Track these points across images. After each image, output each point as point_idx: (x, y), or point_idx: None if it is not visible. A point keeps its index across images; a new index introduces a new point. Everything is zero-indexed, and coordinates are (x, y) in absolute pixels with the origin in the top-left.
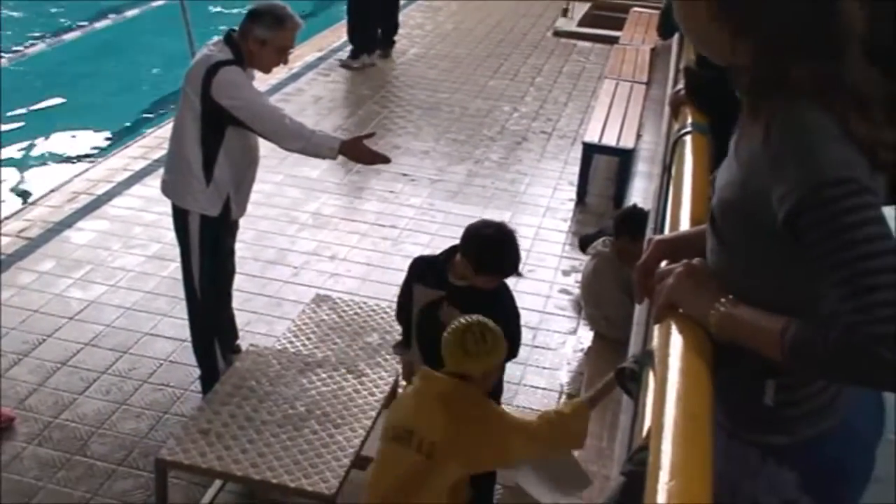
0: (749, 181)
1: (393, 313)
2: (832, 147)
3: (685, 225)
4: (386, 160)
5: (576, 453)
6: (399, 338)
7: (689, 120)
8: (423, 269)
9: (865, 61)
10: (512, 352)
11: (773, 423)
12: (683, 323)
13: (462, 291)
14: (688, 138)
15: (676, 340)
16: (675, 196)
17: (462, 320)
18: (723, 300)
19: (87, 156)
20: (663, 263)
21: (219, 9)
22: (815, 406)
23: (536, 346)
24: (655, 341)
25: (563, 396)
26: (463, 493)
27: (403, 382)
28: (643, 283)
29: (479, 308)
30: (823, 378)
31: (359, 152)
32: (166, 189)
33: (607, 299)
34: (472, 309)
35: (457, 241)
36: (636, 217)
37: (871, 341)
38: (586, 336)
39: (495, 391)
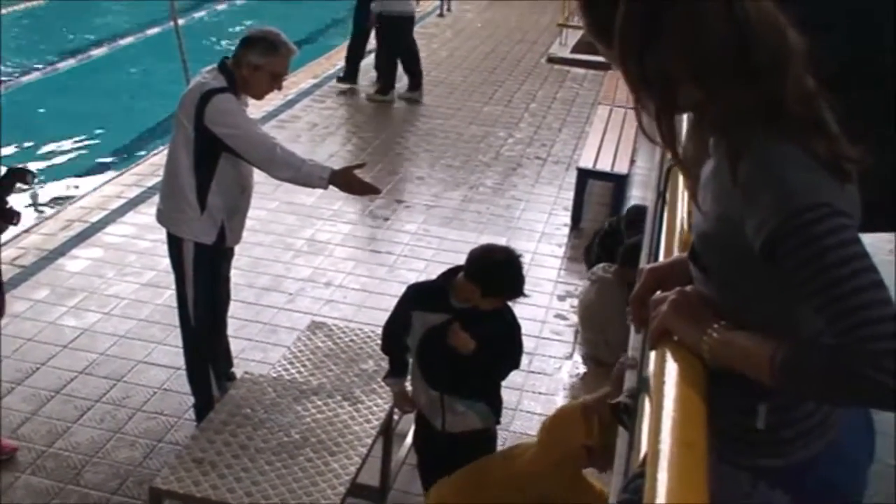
0: (723, 214)
1: None
2: (799, 174)
3: (678, 253)
4: (376, 191)
5: None
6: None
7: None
8: (421, 295)
9: (810, 80)
10: (515, 365)
11: (765, 446)
12: (678, 350)
13: (467, 313)
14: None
15: (671, 368)
16: (669, 223)
17: None
18: (715, 326)
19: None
20: (658, 292)
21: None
22: (806, 428)
23: (532, 372)
24: (651, 368)
25: None
26: None
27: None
28: (638, 314)
29: (485, 327)
30: (814, 400)
31: (349, 182)
32: (161, 217)
33: (610, 325)
34: (479, 329)
35: (451, 266)
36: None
37: (858, 362)
38: (582, 362)
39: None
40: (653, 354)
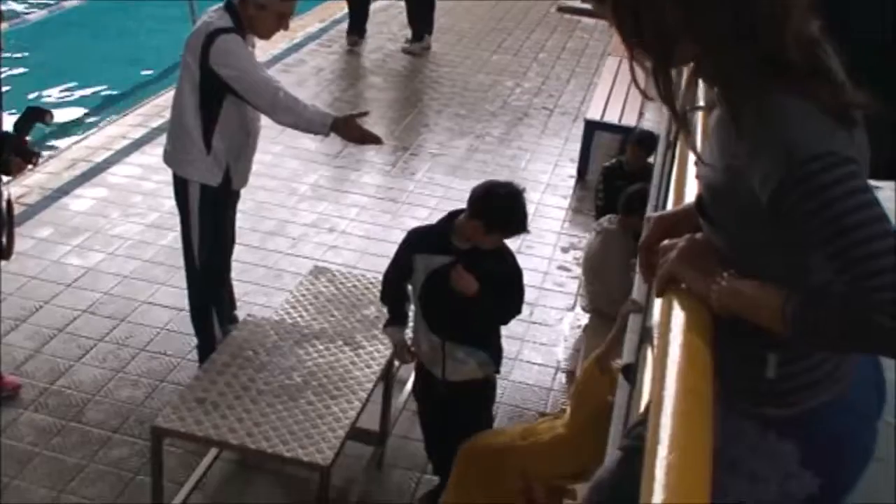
0: (730, 166)
1: None
2: (803, 124)
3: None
4: (378, 141)
5: None
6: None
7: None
8: (423, 238)
9: (813, 26)
10: (518, 309)
11: (774, 396)
12: (685, 298)
13: (469, 254)
14: (695, 115)
15: (678, 315)
16: (679, 172)
17: None
18: (724, 274)
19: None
20: (667, 240)
21: None
22: (817, 377)
23: (534, 322)
24: (655, 318)
25: (559, 372)
26: None
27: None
28: (647, 262)
29: (488, 268)
30: (825, 348)
31: (351, 131)
32: (167, 158)
33: (614, 276)
34: (482, 270)
35: (451, 211)
36: (646, 195)
37: (870, 310)
38: (584, 313)
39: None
40: (658, 301)
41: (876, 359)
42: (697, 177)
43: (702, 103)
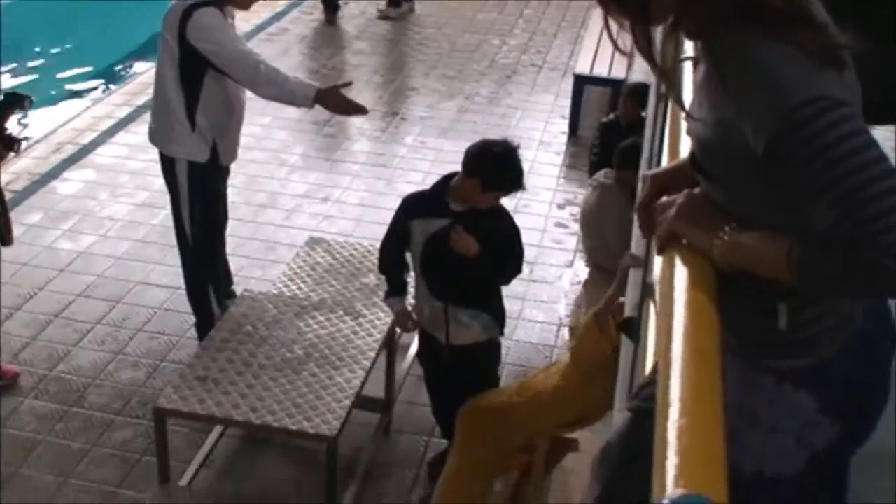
0: (721, 119)
1: None
2: (789, 70)
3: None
4: (363, 111)
5: None
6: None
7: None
8: (418, 203)
9: None
10: (518, 268)
11: (787, 347)
12: (686, 255)
13: (466, 215)
14: (686, 65)
15: (680, 273)
16: (672, 126)
17: None
18: (726, 228)
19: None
20: (665, 197)
21: None
22: (829, 325)
23: (534, 280)
24: (657, 273)
25: (562, 329)
26: None
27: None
28: (645, 220)
29: (486, 228)
30: (832, 295)
31: (336, 101)
32: (153, 136)
33: (611, 231)
34: (481, 230)
35: (445, 174)
36: (640, 149)
37: (874, 254)
38: (583, 269)
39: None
40: (659, 260)
41: (886, 303)
42: (688, 132)
43: (689, 54)
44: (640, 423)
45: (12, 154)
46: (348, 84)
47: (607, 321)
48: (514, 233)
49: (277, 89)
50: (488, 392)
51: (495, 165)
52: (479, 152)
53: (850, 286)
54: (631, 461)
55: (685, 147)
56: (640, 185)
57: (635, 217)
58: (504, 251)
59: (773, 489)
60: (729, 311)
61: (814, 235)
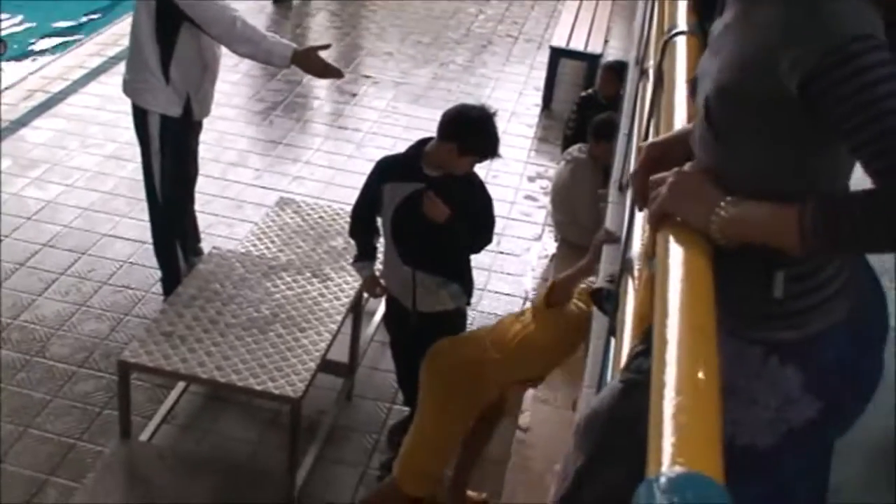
0: (748, 60)
1: None
2: (846, 5)
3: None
4: (339, 74)
5: None
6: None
7: (680, 20)
8: (393, 167)
9: None
10: (488, 238)
11: (780, 318)
12: (681, 232)
13: (440, 181)
14: (679, 40)
15: (675, 250)
16: (668, 101)
17: None
18: (722, 203)
19: (41, 52)
20: (656, 175)
21: None
22: (824, 297)
23: (501, 252)
24: (634, 251)
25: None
26: None
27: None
28: (641, 190)
29: (459, 195)
30: (851, 252)
31: (311, 63)
32: (126, 88)
33: (582, 205)
34: (453, 197)
35: (420, 139)
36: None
37: None
38: (551, 243)
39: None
40: (653, 238)
41: (880, 287)
42: (700, 81)
43: None
44: (629, 395)
45: None
46: (326, 46)
47: (568, 292)
48: (486, 202)
49: (253, 48)
50: (454, 342)
51: (472, 130)
52: (457, 116)
53: (873, 240)
54: (619, 434)
55: (678, 123)
56: (616, 160)
57: (627, 187)
58: (475, 220)
59: (742, 459)
60: (720, 279)
61: (822, 196)
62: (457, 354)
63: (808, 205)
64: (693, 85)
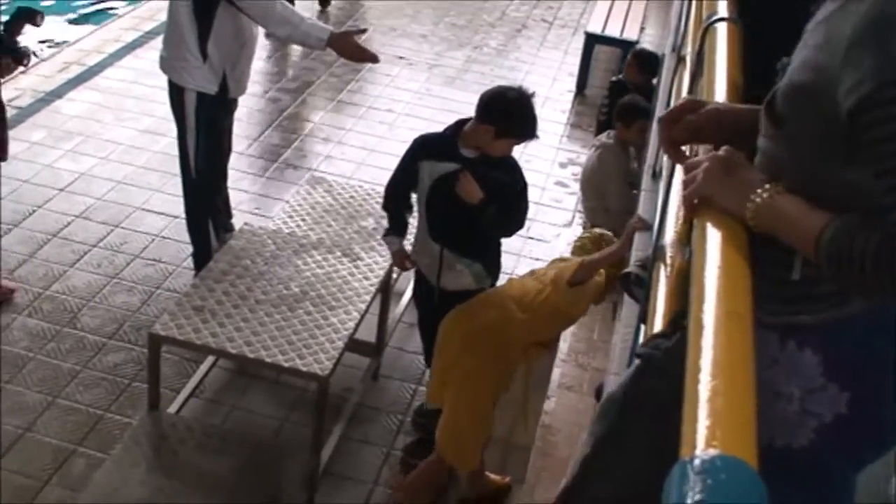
0: (824, 64)
1: None
2: None
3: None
4: (375, 59)
5: (565, 344)
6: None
7: (720, 6)
8: (430, 145)
9: None
10: (521, 222)
11: (798, 302)
12: (719, 217)
13: (476, 162)
14: (719, 26)
15: (713, 234)
16: (708, 88)
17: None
18: (761, 190)
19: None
20: (691, 160)
21: None
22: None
23: (531, 238)
24: (667, 238)
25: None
26: None
27: (397, 271)
28: (667, 132)
29: (493, 177)
30: (855, 290)
31: (347, 48)
32: (163, 65)
33: (610, 191)
34: (488, 179)
35: (459, 119)
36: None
37: None
38: (581, 229)
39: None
40: (688, 222)
41: None
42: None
43: None
44: (644, 376)
45: (21, 68)
46: (363, 31)
47: (592, 275)
48: (521, 187)
49: (291, 29)
50: (471, 306)
51: (511, 111)
52: (494, 98)
53: (873, 281)
54: (630, 418)
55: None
56: (650, 147)
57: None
58: (509, 203)
59: (784, 462)
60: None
61: (846, 225)
62: (480, 317)
63: (833, 222)
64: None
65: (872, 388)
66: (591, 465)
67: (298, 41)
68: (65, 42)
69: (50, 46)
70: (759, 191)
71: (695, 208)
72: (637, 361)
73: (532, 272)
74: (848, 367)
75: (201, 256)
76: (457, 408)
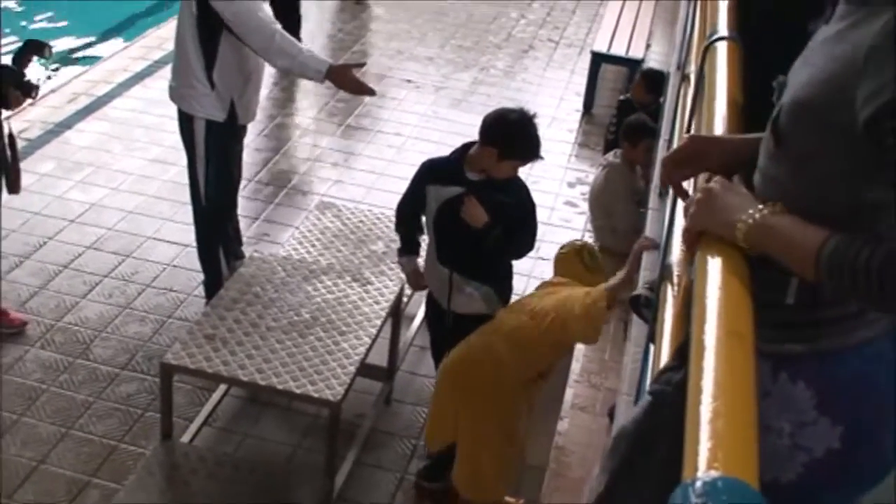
0: (835, 76)
1: None
2: None
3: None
4: (371, 93)
5: (577, 364)
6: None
7: (721, 25)
8: (436, 170)
9: None
10: (530, 244)
11: (792, 329)
12: (718, 245)
13: (480, 185)
14: (720, 45)
15: (714, 258)
16: (708, 106)
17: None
18: (752, 210)
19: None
20: (698, 180)
21: None
22: (841, 313)
23: (540, 258)
24: (674, 258)
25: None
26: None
27: (409, 290)
28: (668, 173)
29: (499, 200)
30: (857, 302)
31: (346, 80)
32: (173, 94)
33: (617, 210)
34: (494, 202)
35: (465, 142)
36: (645, 125)
37: None
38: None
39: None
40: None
41: None
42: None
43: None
44: (656, 410)
45: (29, 101)
46: (362, 65)
47: (614, 301)
48: (528, 208)
49: (290, 61)
50: (461, 355)
51: (512, 133)
52: (496, 120)
53: (877, 294)
54: (643, 449)
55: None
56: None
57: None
58: (517, 226)
59: (771, 497)
60: None
61: (846, 240)
62: (473, 373)
63: (831, 239)
64: None
65: (870, 421)
66: (606, 499)
67: (297, 73)
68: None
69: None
70: (750, 211)
71: (693, 243)
72: (649, 398)
73: (520, 302)
74: (843, 400)
75: (212, 284)
76: (471, 453)
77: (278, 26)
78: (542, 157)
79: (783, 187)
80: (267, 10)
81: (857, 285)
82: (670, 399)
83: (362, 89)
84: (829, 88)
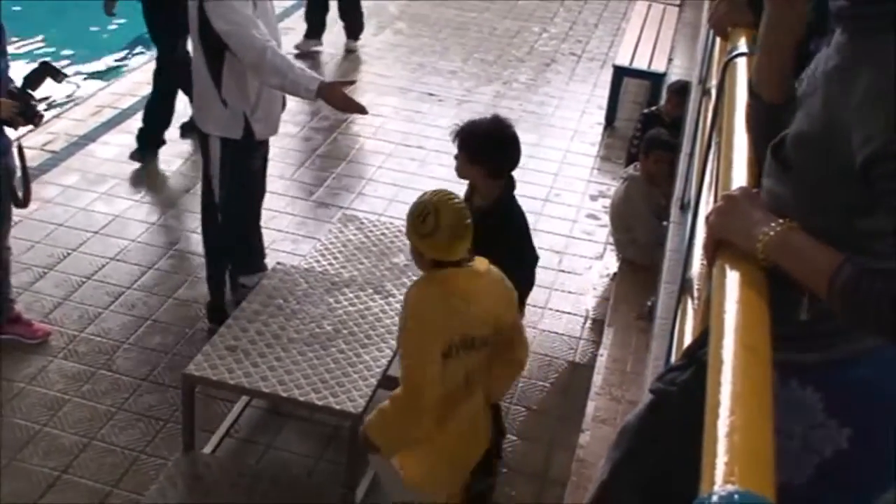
0: (832, 119)
1: None
2: None
3: (739, 152)
4: (363, 111)
5: (598, 376)
6: None
7: (741, 41)
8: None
9: None
10: (526, 262)
11: (803, 340)
12: (737, 257)
13: (485, 210)
14: (740, 61)
15: (732, 272)
16: (728, 122)
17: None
18: (773, 224)
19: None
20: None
21: None
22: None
23: (562, 271)
24: (694, 271)
25: (588, 321)
26: None
27: None
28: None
29: (489, 225)
30: (868, 332)
31: (336, 98)
32: (195, 116)
33: (638, 223)
34: (488, 227)
35: None
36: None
37: None
38: (612, 262)
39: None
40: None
41: None
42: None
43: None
44: (658, 408)
45: (30, 126)
46: (351, 83)
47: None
48: (515, 232)
49: (280, 79)
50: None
51: (479, 135)
52: (467, 124)
53: (888, 323)
54: (644, 443)
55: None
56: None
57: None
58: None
59: (784, 500)
60: None
61: (860, 271)
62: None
63: (849, 264)
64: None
65: (877, 425)
66: (609, 486)
67: (290, 91)
68: (66, 101)
69: (48, 108)
70: (772, 224)
71: (713, 252)
72: (651, 396)
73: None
74: (851, 403)
75: (213, 308)
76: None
77: (272, 43)
78: (517, 165)
79: (789, 207)
80: (262, 28)
81: (867, 315)
82: (675, 400)
83: (352, 107)
84: (828, 128)
